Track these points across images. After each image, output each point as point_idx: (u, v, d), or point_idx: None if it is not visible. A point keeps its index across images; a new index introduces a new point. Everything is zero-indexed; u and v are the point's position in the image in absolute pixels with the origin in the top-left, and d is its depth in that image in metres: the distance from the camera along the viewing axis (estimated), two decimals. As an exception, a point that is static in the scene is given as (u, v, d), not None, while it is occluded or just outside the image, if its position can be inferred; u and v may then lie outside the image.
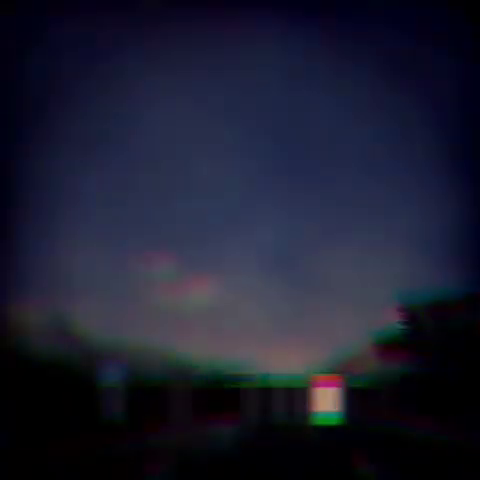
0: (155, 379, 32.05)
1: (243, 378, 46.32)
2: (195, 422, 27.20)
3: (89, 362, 25.13)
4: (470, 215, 30.53)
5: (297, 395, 37.48)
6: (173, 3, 29.48)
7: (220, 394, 42.91)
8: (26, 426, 14.89)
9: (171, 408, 30.24)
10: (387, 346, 25.51)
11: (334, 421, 23.60)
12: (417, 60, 33.95)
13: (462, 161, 29.81)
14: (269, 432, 21.39)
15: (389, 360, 23.85)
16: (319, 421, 24.10)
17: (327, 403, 24.55)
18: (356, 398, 24.94)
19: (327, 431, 19.04)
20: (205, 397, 39.48)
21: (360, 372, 26.33)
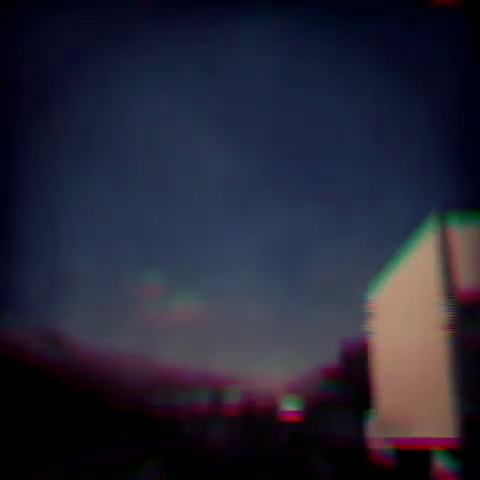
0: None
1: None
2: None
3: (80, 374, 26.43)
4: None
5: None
6: (170, 4, 29.64)
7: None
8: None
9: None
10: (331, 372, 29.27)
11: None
12: (418, 60, 34.87)
13: (462, 161, 30.74)
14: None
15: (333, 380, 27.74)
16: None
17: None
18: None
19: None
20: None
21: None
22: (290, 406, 33.29)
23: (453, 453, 5.54)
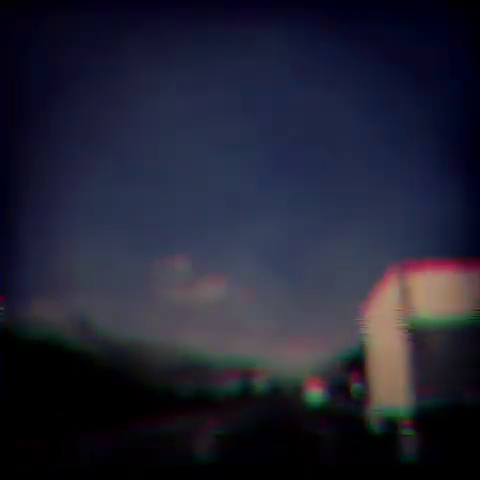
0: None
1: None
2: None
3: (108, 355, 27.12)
4: (470, 215, 31.13)
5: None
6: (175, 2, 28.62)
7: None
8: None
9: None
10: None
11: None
12: (420, 60, 33.78)
13: (463, 160, 29.86)
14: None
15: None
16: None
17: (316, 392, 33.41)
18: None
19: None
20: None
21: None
22: (315, 390, 34.86)
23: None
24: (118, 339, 28.73)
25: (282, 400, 45.57)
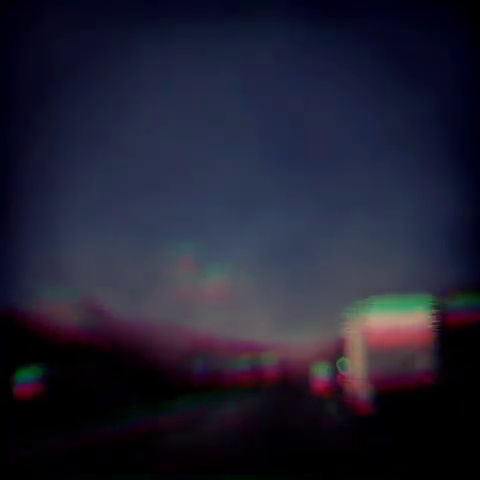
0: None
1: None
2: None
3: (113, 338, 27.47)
4: (469, 213, 31.16)
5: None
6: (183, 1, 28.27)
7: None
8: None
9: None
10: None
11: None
12: (420, 57, 33.30)
13: (463, 159, 29.85)
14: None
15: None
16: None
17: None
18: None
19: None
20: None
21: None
22: (321, 372, 35.82)
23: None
24: (129, 323, 28.81)
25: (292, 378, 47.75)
